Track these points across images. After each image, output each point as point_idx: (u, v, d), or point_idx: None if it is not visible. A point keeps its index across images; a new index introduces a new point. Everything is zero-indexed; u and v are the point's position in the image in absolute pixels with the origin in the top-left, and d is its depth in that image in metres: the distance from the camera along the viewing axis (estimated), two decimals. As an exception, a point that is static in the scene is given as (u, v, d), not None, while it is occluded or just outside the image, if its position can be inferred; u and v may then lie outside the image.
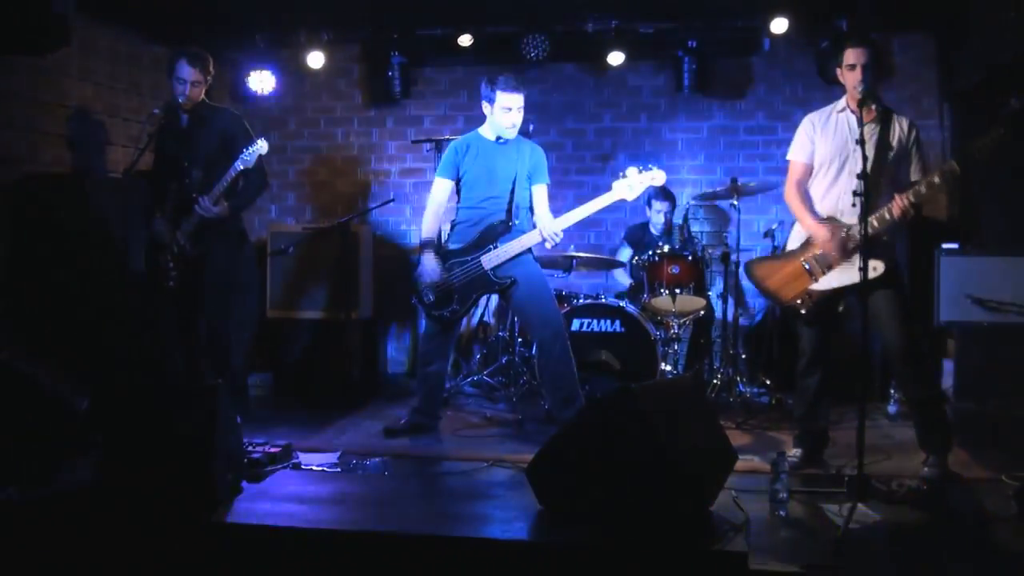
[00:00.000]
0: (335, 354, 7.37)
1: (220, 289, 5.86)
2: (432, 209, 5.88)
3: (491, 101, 5.66)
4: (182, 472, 4.10)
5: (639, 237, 7.54)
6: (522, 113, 5.72)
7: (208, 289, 5.82)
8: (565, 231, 5.65)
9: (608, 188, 5.67)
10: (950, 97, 7.42)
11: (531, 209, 5.85)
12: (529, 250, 5.71)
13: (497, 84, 5.62)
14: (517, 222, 5.71)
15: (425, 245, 5.80)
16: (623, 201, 5.68)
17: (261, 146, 5.71)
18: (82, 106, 6.83)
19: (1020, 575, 3.58)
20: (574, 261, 6.94)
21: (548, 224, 5.60)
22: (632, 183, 5.58)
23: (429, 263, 5.74)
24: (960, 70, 7.24)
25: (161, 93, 7.27)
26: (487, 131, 5.83)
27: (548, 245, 5.62)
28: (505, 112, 5.63)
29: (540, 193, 5.83)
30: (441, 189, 5.87)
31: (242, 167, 5.68)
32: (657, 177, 5.60)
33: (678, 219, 7.40)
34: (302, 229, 7.63)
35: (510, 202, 5.70)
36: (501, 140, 5.78)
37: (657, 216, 7.44)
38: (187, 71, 5.70)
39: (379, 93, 8.41)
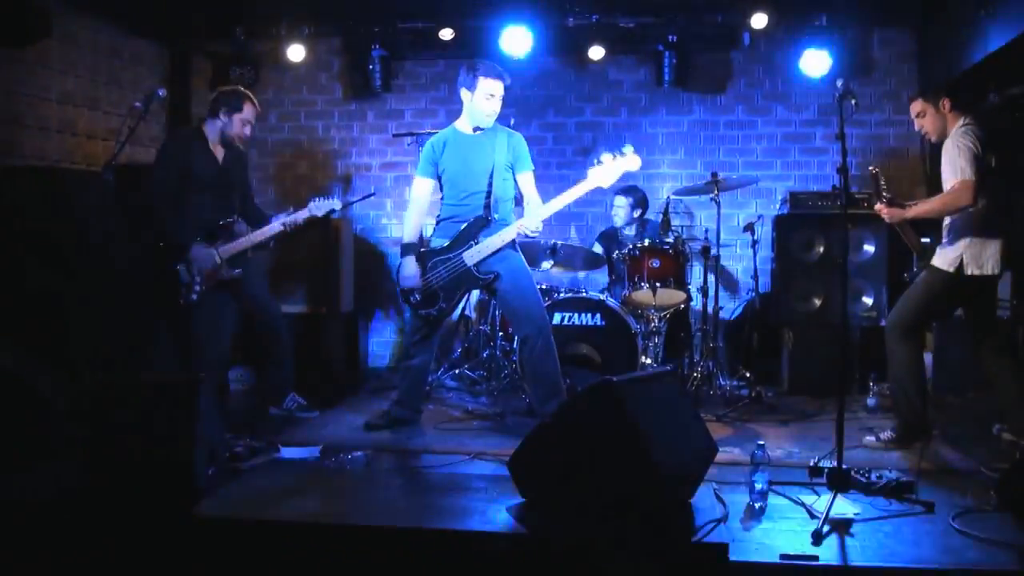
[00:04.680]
0: (316, 348, 7.37)
1: (264, 281, 6.32)
2: (414, 209, 5.82)
3: (471, 87, 5.57)
4: (164, 465, 4.10)
5: (612, 237, 7.56)
6: (501, 102, 5.63)
7: (257, 285, 6.17)
8: (544, 224, 5.61)
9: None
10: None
11: (516, 199, 5.83)
12: (512, 243, 5.64)
13: (479, 69, 5.54)
14: (497, 216, 5.63)
15: (406, 249, 5.74)
16: (600, 188, 5.62)
17: (335, 204, 6.07)
18: (64, 99, 6.81)
19: (999, 566, 3.61)
20: (559, 247, 6.94)
21: (529, 215, 5.51)
22: (607, 169, 5.45)
23: (409, 268, 5.67)
24: (939, 65, 7.29)
25: (141, 86, 7.27)
26: (463, 123, 5.75)
27: (532, 231, 5.49)
28: (487, 99, 5.55)
29: (526, 181, 5.73)
30: (421, 188, 5.81)
31: (313, 214, 6.00)
32: (632, 162, 5.46)
33: (656, 216, 7.42)
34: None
35: (489, 195, 5.61)
36: (478, 130, 5.71)
37: (618, 211, 7.46)
38: (253, 113, 5.97)
39: (360, 87, 8.41)
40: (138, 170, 6.66)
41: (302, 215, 5.94)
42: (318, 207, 5.98)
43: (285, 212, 6.00)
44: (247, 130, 5.96)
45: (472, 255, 5.58)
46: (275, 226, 5.93)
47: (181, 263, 5.72)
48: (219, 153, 5.95)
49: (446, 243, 5.68)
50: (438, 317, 5.77)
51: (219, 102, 5.93)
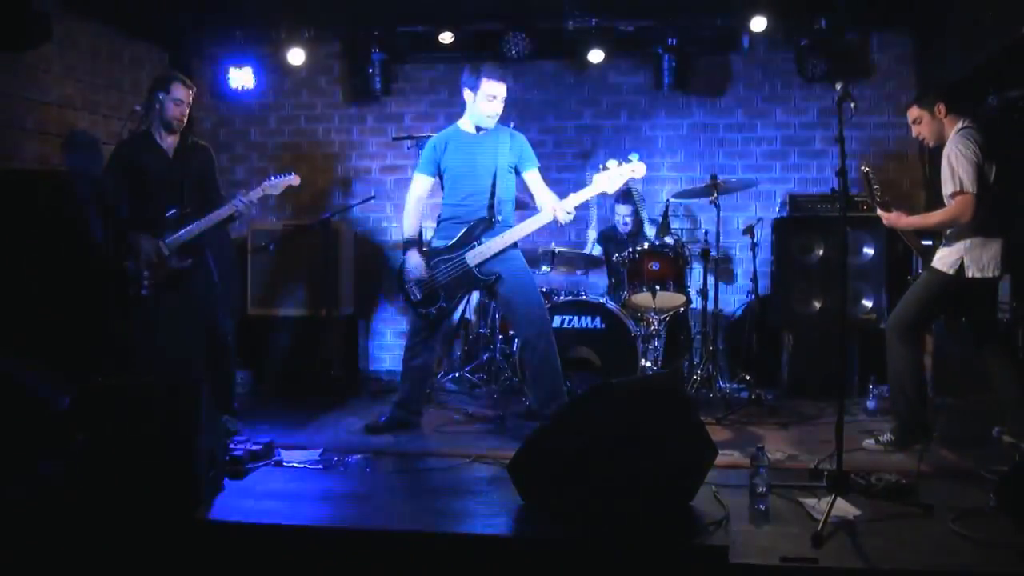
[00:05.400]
0: (316, 351, 7.37)
1: (218, 288, 5.95)
2: (411, 206, 5.83)
3: (474, 88, 5.60)
4: (164, 470, 4.10)
5: (612, 236, 7.59)
6: (503, 104, 5.66)
7: (207, 290, 5.86)
8: (545, 227, 5.64)
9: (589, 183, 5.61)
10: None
11: (518, 202, 5.84)
12: (514, 245, 5.66)
13: (482, 71, 5.56)
14: (500, 217, 5.65)
15: (408, 243, 5.75)
16: (604, 194, 5.67)
17: (293, 179, 6.01)
18: (63, 103, 6.83)
19: (999, 569, 3.61)
20: (558, 254, 6.95)
21: (558, 204, 5.50)
22: (612, 175, 5.49)
23: (413, 261, 5.70)
24: (938, 68, 7.29)
25: (141, 90, 7.27)
26: (466, 123, 5.77)
27: (563, 221, 5.51)
28: (488, 100, 5.57)
29: (534, 177, 5.75)
30: (419, 186, 5.82)
31: (267, 192, 5.91)
32: (637, 169, 5.50)
33: (657, 216, 7.42)
34: (283, 226, 7.63)
35: (492, 196, 5.63)
36: (480, 131, 5.73)
37: (621, 219, 7.49)
38: (183, 91, 5.75)
39: (360, 90, 8.42)
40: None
41: (255, 194, 5.80)
42: (272, 185, 5.90)
43: (241, 192, 5.82)
44: (181, 110, 5.75)
45: (474, 256, 5.59)
46: (225, 210, 5.74)
47: (129, 258, 5.62)
48: (168, 145, 5.79)
49: (448, 243, 5.69)
50: (438, 316, 5.78)
51: (150, 90, 5.81)
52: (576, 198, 5.54)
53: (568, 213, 5.50)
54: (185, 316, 5.84)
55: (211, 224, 5.75)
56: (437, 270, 5.67)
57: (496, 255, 5.60)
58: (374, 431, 5.81)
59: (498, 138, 5.72)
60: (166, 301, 5.74)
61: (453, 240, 5.66)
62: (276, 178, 5.93)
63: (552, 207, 5.52)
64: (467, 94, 5.66)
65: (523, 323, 5.65)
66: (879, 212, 5.43)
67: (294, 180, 5.98)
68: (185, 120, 5.83)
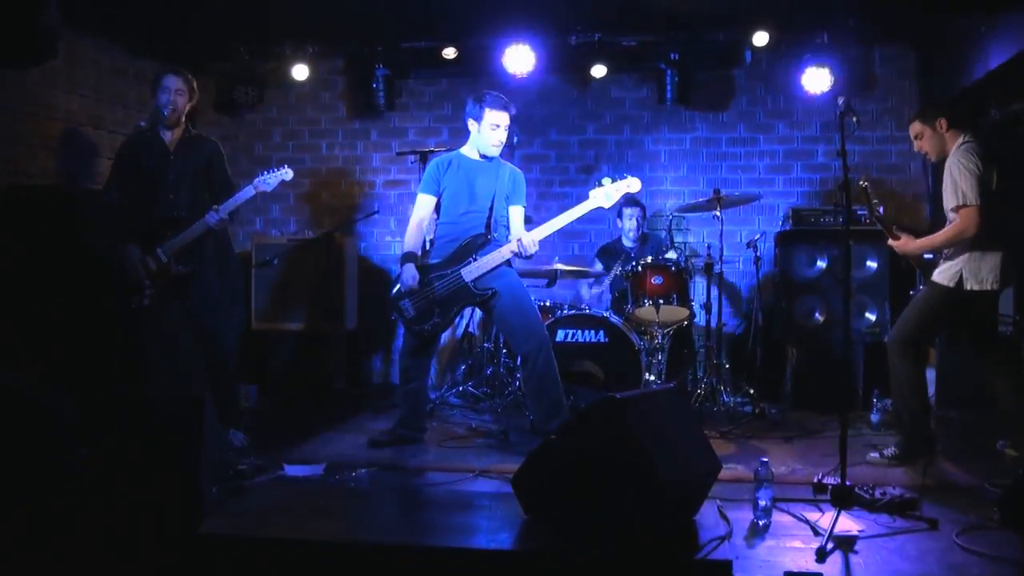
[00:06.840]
0: (320, 366, 7.38)
1: (219, 301, 5.86)
2: (415, 223, 5.87)
3: (478, 118, 5.67)
4: (168, 484, 4.10)
5: (613, 250, 7.57)
6: (507, 133, 5.75)
7: (207, 302, 5.76)
8: (548, 241, 5.67)
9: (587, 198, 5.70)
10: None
11: (508, 227, 5.88)
12: (509, 262, 5.70)
13: (485, 101, 5.64)
14: (495, 235, 5.72)
15: (406, 257, 5.79)
16: (601, 209, 5.72)
17: (285, 173, 5.85)
18: (69, 119, 6.86)
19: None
20: (558, 273, 6.95)
21: (524, 235, 5.58)
22: (608, 191, 5.62)
23: (408, 271, 5.71)
24: (941, 82, 7.31)
25: (146, 106, 7.29)
26: (470, 150, 5.84)
27: (528, 253, 5.55)
28: (492, 129, 5.65)
29: (516, 215, 5.85)
30: (424, 205, 5.86)
31: (260, 190, 5.78)
32: (632, 184, 5.63)
33: (662, 231, 7.43)
34: (286, 241, 7.64)
35: (489, 216, 5.72)
36: (484, 159, 5.80)
37: (629, 222, 7.50)
38: (172, 80, 5.65)
39: (363, 105, 8.45)
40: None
41: (244, 194, 5.67)
42: (264, 181, 5.76)
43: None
44: (174, 99, 5.62)
45: (471, 271, 5.62)
46: (219, 212, 5.58)
47: (128, 266, 5.55)
48: (169, 139, 5.71)
49: (444, 259, 5.73)
50: (432, 333, 5.80)
51: (150, 87, 5.74)
52: (575, 212, 5.64)
53: (533, 245, 5.55)
54: (186, 327, 5.79)
55: (206, 229, 5.61)
56: (432, 285, 5.70)
57: (491, 271, 5.63)
58: (378, 445, 5.82)
59: (500, 167, 5.82)
60: (169, 312, 5.71)
61: (449, 256, 5.72)
62: (268, 173, 5.79)
63: (517, 240, 5.59)
64: (471, 124, 5.74)
65: (521, 338, 5.66)
66: (890, 243, 5.43)
67: (287, 175, 5.86)
68: (182, 110, 5.72)
